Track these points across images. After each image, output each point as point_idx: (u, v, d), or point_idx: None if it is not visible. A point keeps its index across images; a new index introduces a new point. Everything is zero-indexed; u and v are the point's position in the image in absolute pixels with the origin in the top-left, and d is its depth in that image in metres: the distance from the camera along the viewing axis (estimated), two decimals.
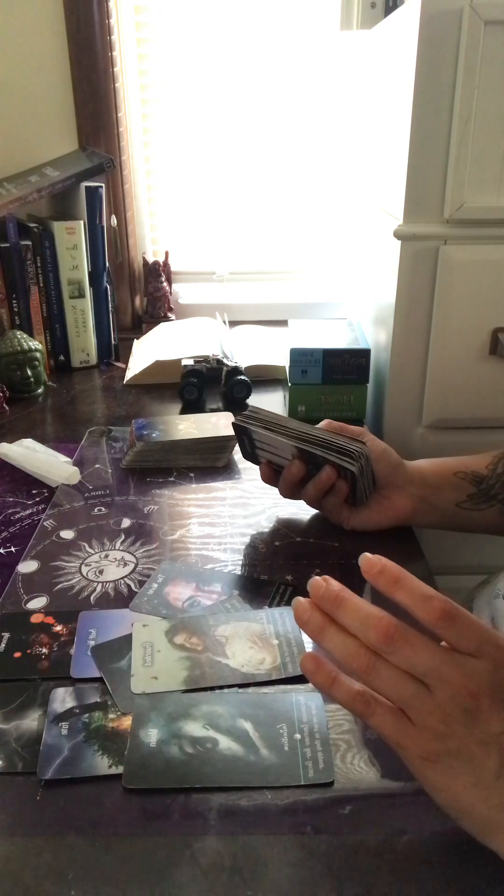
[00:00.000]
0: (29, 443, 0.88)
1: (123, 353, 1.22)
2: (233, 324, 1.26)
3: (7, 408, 1.01)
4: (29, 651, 0.54)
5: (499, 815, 0.37)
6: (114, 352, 1.22)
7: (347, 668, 0.41)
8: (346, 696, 0.41)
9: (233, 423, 0.73)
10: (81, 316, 1.16)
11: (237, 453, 0.86)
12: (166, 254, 1.33)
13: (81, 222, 1.11)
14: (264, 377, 1.08)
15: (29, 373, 1.05)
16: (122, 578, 0.63)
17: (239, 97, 1.28)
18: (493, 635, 0.38)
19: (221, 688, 0.50)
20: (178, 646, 0.54)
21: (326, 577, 0.41)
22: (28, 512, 0.75)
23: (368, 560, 0.40)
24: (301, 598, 0.41)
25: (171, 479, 0.81)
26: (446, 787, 0.38)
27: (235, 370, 1.03)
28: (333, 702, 0.45)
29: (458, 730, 0.37)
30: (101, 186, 1.12)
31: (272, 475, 0.72)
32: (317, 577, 0.41)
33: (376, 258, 1.00)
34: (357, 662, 0.40)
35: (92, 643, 0.55)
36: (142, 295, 1.36)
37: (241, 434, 0.73)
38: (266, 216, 1.37)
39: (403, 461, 0.69)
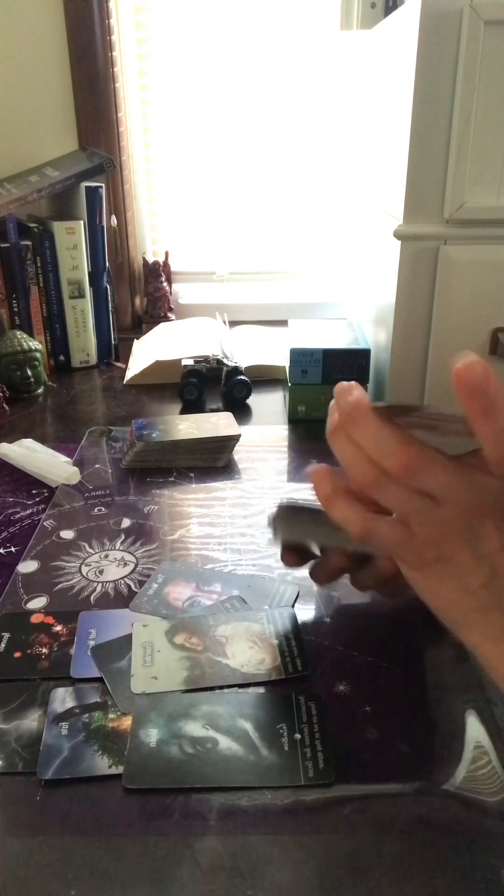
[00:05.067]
0: (29, 443, 0.88)
1: (123, 353, 1.22)
2: (233, 324, 1.26)
3: (7, 408, 1.01)
4: (29, 651, 0.54)
5: (474, 615, 0.41)
6: (114, 352, 1.22)
7: (352, 476, 0.41)
8: (346, 512, 0.42)
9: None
10: (81, 316, 1.16)
11: (237, 453, 0.86)
12: (166, 254, 1.33)
13: (81, 222, 1.11)
14: (264, 377, 1.08)
15: (29, 373, 1.05)
16: (122, 578, 0.63)
17: (239, 97, 1.28)
18: None
19: (221, 688, 0.50)
20: (178, 646, 0.54)
21: (353, 384, 0.42)
22: (28, 512, 0.75)
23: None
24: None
25: (171, 479, 0.81)
26: (437, 590, 0.42)
27: (235, 370, 1.03)
28: (333, 517, 0.44)
29: (456, 539, 0.40)
30: (101, 186, 1.12)
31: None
32: (344, 383, 0.43)
33: (376, 258, 1.00)
34: (364, 475, 0.40)
35: (92, 643, 0.55)
36: (142, 295, 1.36)
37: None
38: (266, 216, 1.37)
39: None
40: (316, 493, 0.44)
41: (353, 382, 0.42)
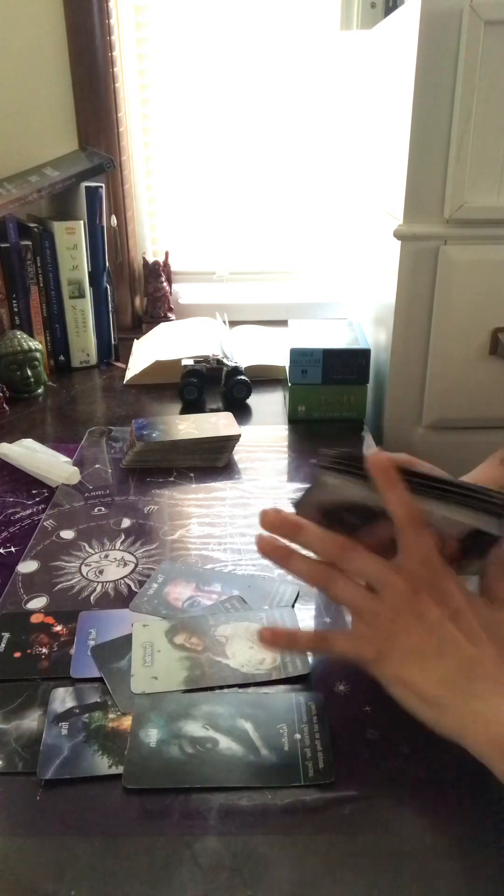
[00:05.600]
0: (29, 443, 0.88)
1: (123, 353, 1.22)
2: (233, 324, 1.26)
3: (7, 408, 1.01)
4: (29, 651, 0.54)
5: (441, 690, 0.42)
6: (114, 352, 1.22)
7: (312, 583, 0.48)
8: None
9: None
10: (81, 316, 1.16)
11: (237, 453, 0.86)
12: (166, 254, 1.33)
13: (81, 222, 1.11)
14: (264, 377, 1.08)
15: (29, 373, 1.05)
16: (122, 578, 0.63)
17: (239, 97, 1.28)
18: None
19: (221, 688, 0.50)
20: (178, 646, 0.54)
21: (276, 508, 0.48)
22: (28, 512, 0.75)
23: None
24: (262, 533, 0.48)
25: (171, 479, 0.81)
26: (401, 676, 0.44)
27: (235, 370, 1.03)
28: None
29: (405, 620, 0.44)
30: (101, 186, 1.12)
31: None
32: (267, 510, 0.48)
33: (376, 258, 1.00)
34: (318, 575, 0.47)
35: (92, 643, 0.55)
36: (142, 295, 1.36)
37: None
38: (266, 216, 1.37)
39: None
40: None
41: (272, 509, 0.48)
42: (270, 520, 0.48)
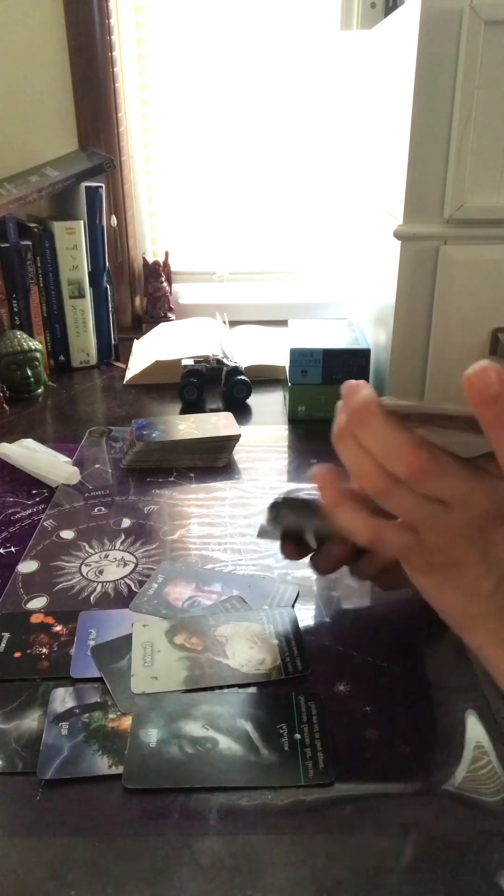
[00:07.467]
0: (29, 443, 0.88)
1: (123, 353, 1.22)
2: (233, 324, 1.26)
3: (7, 408, 1.01)
4: (29, 651, 0.54)
5: (481, 619, 0.40)
6: (114, 352, 1.22)
7: (359, 482, 0.39)
8: (353, 520, 0.41)
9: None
10: (81, 316, 1.16)
11: (237, 453, 0.86)
12: (166, 254, 1.33)
13: (81, 222, 1.11)
14: (264, 377, 1.08)
15: (29, 373, 1.05)
16: (122, 578, 0.63)
17: (239, 97, 1.28)
18: None
19: (221, 688, 0.50)
20: (178, 646, 0.54)
21: (361, 382, 0.39)
22: (28, 512, 0.75)
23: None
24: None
25: (171, 479, 0.81)
26: (443, 594, 0.42)
27: (235, 370, 1.03)
28: (338, 523, 0.42)
29: (466, 545, 0.39)
30: (101, 186, 1.12)
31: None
32: (352, 382, 0.39)
33: (376, 258, 1.00)
34: (372, 482, 0.38)
35: (92, 643, 0.55)
36: (142, 295, 1.36)
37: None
38: (266, 216, 1.37)
39: None
40: (321, 498, 0.43)
41: (361, 381, 0.39)
42: (348, 394, 0.39)
